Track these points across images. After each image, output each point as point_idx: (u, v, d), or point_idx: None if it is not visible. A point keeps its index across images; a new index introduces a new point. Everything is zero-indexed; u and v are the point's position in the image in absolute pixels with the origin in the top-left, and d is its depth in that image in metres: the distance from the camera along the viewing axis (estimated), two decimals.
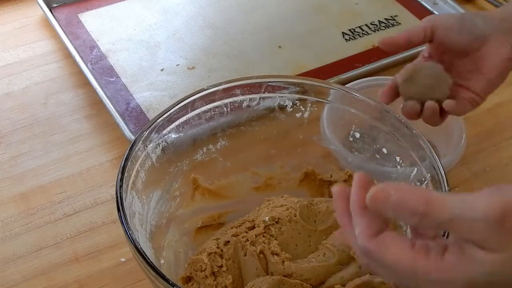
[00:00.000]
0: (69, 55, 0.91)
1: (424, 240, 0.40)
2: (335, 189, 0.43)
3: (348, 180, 0.68)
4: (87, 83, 0.86)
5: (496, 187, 0.37)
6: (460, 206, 0.37)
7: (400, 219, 0.43)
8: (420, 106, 0.63)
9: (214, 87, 0.65)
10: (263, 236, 0.61)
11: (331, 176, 0.69)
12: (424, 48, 0.68)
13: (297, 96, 0.67)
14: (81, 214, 0.73)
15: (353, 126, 0.69)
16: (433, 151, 0.58)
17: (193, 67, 0.90)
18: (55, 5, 0.99)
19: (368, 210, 0.40)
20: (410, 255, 0.39)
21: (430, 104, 0.62)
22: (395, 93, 0.65)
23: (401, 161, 0.63)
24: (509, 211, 0.36)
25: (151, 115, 0.82)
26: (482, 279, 0.38)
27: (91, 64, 0.89)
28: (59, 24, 0.94)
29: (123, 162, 0.58)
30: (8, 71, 0.91)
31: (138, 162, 0.60)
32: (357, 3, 1.04)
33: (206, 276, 0.58)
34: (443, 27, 0.64)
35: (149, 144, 0.61)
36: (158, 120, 0.62)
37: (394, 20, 1.00)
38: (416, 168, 0.60)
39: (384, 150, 0.66)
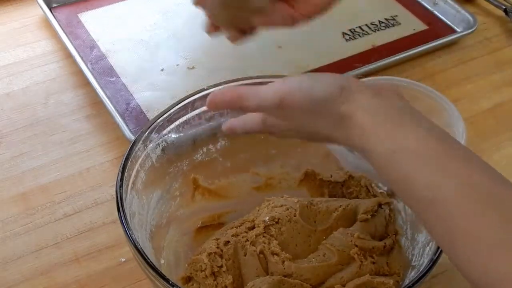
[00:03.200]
0: (69, 55, 0.91)
1: None
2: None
3: (348, 180, 0.68)
4: (87, 83, 0.86)
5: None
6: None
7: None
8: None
9: (214, 87, 0.65)
10: (263, 236, 0.61)
11: (331, 176, 0.69)
12: None
13: None
14: (81, 214, 0.73)
15: None
16: None
17: (193, 67, 0.90)
18: (55, 5, 0.98)
19: None
20: None
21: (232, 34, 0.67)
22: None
23: None
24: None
25: (151, 115, 0.82)
26: None
27: (91, 64, 0.89)
28: (59, 24, 0.94)
29: (123, 162, 0.58)
30: (8, 71, 0.91)
31: (138, 162, 0.60)
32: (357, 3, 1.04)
33: (206, 276, 0.58)
34: None
35: (149, 144, 0.61)
36: (158, 120, 0.62)
37: (394, 20, 1.00)
38: None
39: None
